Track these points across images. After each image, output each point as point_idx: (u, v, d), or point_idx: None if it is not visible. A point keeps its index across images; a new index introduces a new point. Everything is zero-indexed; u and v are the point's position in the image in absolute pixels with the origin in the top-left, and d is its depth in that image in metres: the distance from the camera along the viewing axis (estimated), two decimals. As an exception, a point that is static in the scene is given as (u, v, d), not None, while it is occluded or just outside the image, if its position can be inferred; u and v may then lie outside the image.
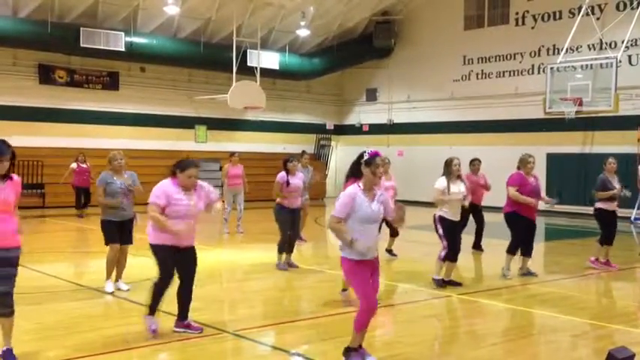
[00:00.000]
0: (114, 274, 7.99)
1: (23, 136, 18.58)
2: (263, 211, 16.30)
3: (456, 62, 23.40)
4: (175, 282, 6.12)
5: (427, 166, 22.44)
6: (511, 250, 9.40)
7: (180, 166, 5.92)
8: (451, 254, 8.49)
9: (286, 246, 9.81)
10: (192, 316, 6.31)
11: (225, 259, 11.08)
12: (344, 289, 7.79)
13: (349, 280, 5.55)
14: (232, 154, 14.65)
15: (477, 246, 11.85)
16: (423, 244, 12.52)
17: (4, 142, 4.96)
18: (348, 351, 5.30)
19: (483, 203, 11.72)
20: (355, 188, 5.25)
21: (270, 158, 23.72)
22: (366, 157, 5.27)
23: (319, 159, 25.85)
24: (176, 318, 6.20)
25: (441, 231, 8.49)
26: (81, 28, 19.59)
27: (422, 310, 7.55)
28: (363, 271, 5.20)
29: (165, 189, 5.91)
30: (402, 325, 6.91)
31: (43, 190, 19.39)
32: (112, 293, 7.83)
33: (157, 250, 5.98)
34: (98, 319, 6.79)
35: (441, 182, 8.43)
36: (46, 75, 20.38)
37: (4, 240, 4.93)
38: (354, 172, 5.34)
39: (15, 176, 5.10)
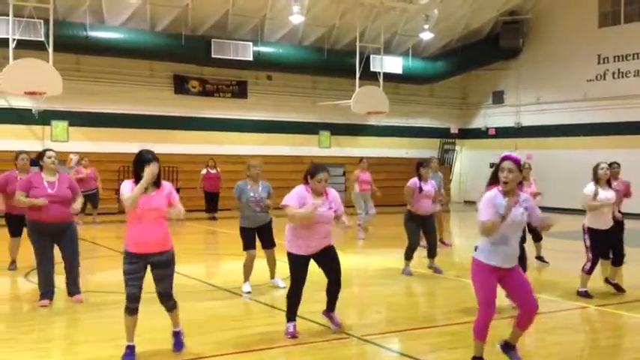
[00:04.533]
0: (254, 275, 8.31)
1: (160, 144, 19.62)
2: (387, 216, 16.29)
3: (589, 61, 22.25)
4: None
5: (559, 170, 21.50)
6: None
7: (311, 171, 6.16)
8: (617, 260, 8.47)
9: (413, 253, 9.73)
10: (320, 319, 6.53)
11: (354, 264, 11.12)
12: None
13: (472, 282, 5.26)
14: (361, 159, 14.81)
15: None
16: (557, 252, 11.93)
17: (149, 151, 5.37)
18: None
19: (623, 210, 11.00)
20: (494, 192, 5.07)
21: (392, 163, 23.70)
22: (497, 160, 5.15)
23: (443, 164, 25.42)
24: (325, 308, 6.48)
25: (588, 242, 8.13)
26: (212, 40, 20.47)
27: (558, 321, 7.20)
28: (486, 273, 5.04)
29: (298, 192, 6.15)
30: (539, 335, 6.60)
31: (179, 195, 20.25)
32: (248, 293, 8.15)
33: (291, 259, 6.22)
34: (233, 318, 7.05)
35: (590, 187, 8.11)
36: (180, 85, 21.45)
37: (160, 244, 5.36)
38: (492, 179, 5.18)
39: (164, 182, 5.52)
